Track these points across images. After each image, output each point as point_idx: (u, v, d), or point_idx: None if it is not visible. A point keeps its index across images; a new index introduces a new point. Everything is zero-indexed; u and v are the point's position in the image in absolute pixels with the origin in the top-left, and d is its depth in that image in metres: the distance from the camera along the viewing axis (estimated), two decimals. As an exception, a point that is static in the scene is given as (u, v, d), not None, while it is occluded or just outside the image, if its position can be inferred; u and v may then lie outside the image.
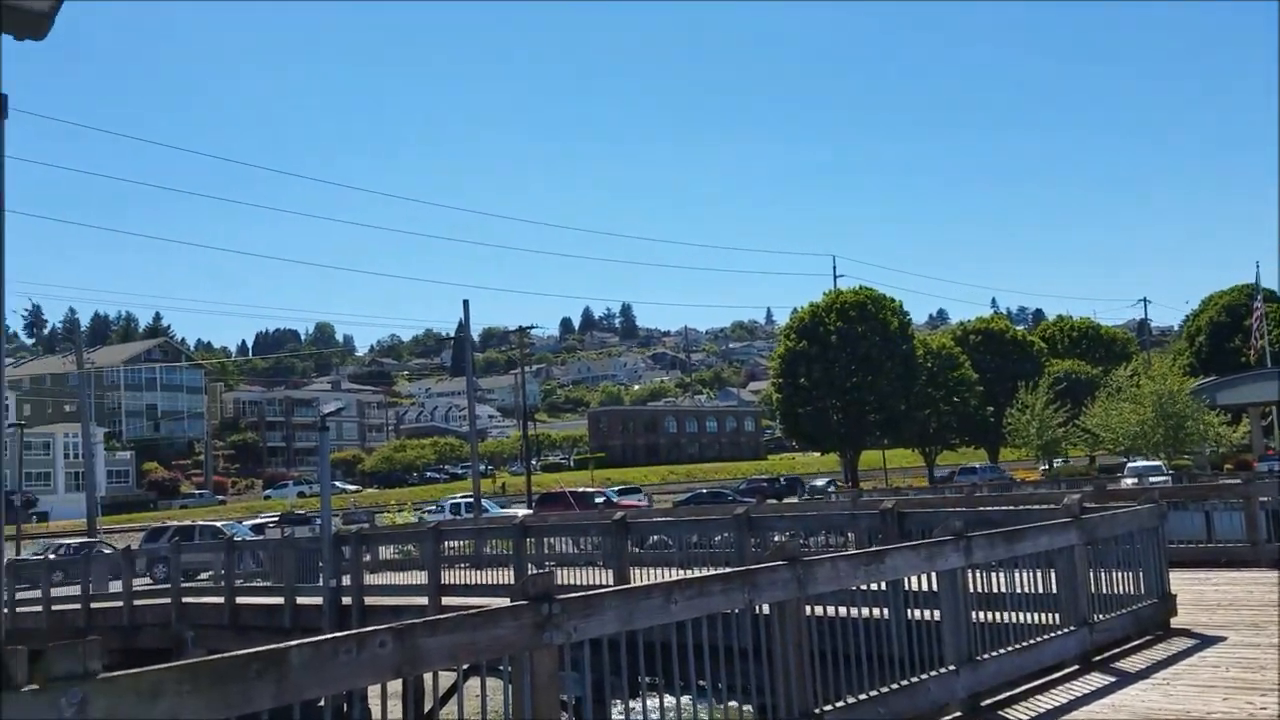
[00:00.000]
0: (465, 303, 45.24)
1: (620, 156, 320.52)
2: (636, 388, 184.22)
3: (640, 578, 13.50)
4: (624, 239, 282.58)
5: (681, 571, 13.26)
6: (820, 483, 61.38)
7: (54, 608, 22.72)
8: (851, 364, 62.85)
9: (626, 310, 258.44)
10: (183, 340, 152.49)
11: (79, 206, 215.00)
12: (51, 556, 31.93)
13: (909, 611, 6.60)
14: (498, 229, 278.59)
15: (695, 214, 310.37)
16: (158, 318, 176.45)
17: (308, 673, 3.67)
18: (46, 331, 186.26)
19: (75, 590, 23.10)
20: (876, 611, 6.26)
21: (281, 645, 3.69)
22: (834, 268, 79.56)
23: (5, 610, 23.68)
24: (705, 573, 7.72)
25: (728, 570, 6.81)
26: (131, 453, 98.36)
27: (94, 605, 21.94)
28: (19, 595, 24.67)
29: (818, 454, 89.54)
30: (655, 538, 16.21)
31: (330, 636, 3.92)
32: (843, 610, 6.08)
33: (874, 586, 6.41)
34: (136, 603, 21.05)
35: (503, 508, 48.18)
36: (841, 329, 63.62)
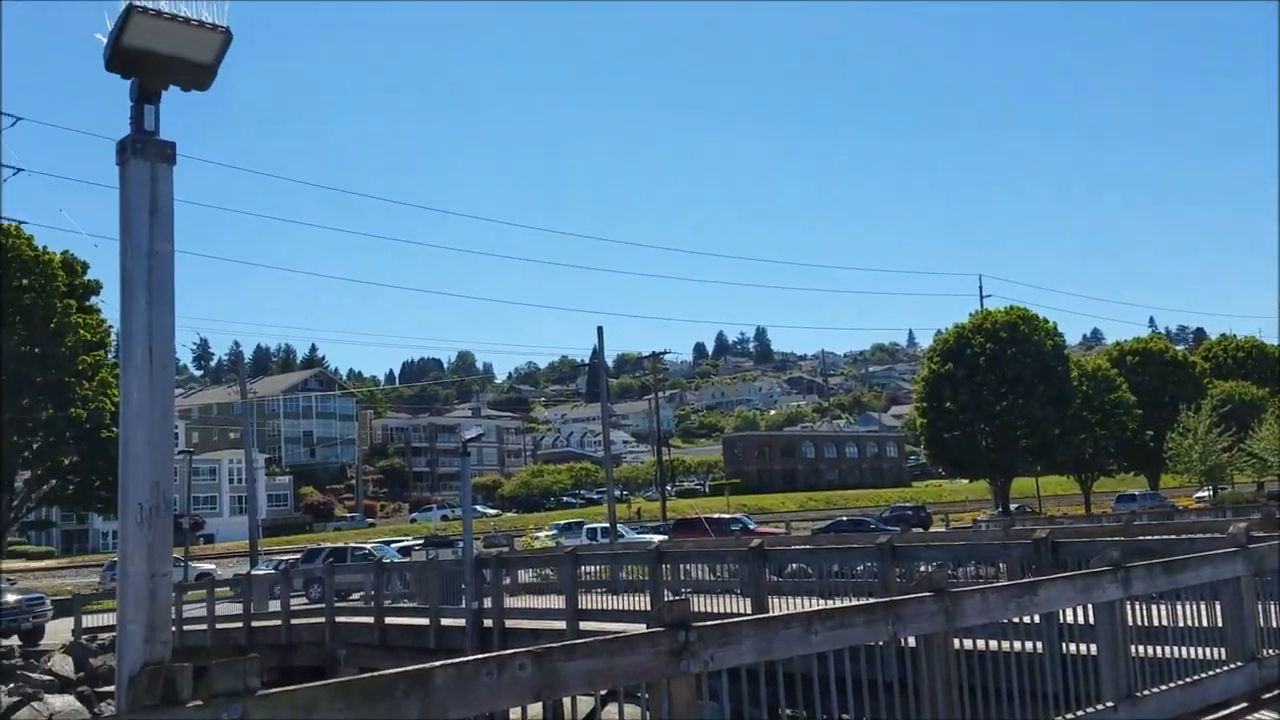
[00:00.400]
0: (599, 329, 45.80)
1: (754, 179, 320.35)
2: (772, 412, 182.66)
3: (779, 607, 13.30)
4: (758, 262, 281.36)
5: (822, 601, 13.00)
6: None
7: (218, 626, 23.95)
8: (1001, 387, 60.88)
9: (761, 334, 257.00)
10: (335, 370, 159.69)
11: (239, 244, 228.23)
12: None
13: (1064, 645, 6.29)
14: (631, 256, 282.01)
15: (832, 235, 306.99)
16: (313, 349, 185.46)
17: (451, 693, 3.74)
18: (213, 364, 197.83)
19: (238, 609, 24.31)
20: (1029, 645, 5.99)
21: (426, 666, 3.78)
22: (980, 287, 76.87)
23: (174, 628, 25.19)
24: (847, 603, 7.54)
25: (871, 601, 6.64)
26: (290, 477, 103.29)
27: (255, 624, 23.02)
28: (186, 614, 26.09)
29: (965, 481, 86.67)
30: (794, 566, 15.95)
31: (472, 658, 3.99)
32: (993, 644, 5.83)
33: (1026, 619, 6.13)
34: (294, 622, 21.98)
35: (638, 533, 48.44)
36: (990, 350, 61.73)
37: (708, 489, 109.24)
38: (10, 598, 29.38)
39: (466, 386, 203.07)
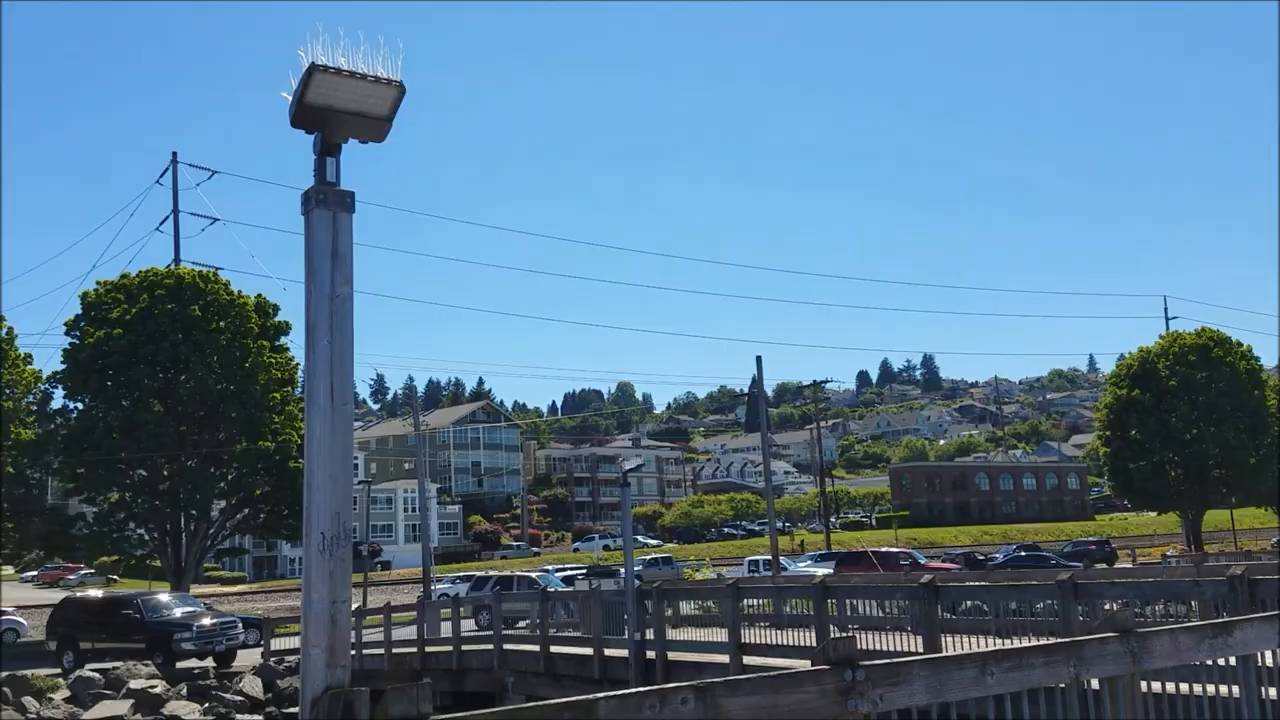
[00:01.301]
0: (758, 359, 45.49)
1: (918, 199, 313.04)
2: (942, 442, 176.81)
3: (952, 646, 12.81)
4: (924, 287, 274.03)
5: (998, 641, 12.46)
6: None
7: (394, 650, 24.90)
8: (1192, 413, 57.22)
9: (928, 361, 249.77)
10: (501, 402, 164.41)
11: (410, 283, 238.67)
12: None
13: (1263, 690, 5.80)
14: (792, 283, 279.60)
15: (1004, 257, 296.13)
16: (481, 382, 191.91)
17: (614, 725, 3.76)
18: (388, 397, 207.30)
19: (413, 633, 25.25)
20: (1225, 689, 5.56)
21: (590, 697, 3.81)
22: (1165, 309, 72.56)
23: (353, 652, 26.38)
24: (1025, 643, 7.19)
25: (1051, 641, 6.31)
26: (459, 506, 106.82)
27: (428, 649, 23.82)
28: (365, 638, 27.23)
29: (1153, 514, 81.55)
30: (969, 603, 15.33)
31: (634, 691, 4.01)
32: (1184, 687, 5.44)
33: (1221, 661, 5.69)
34: (464, 648, 22.62)
35: (814, 562, 47.65)
36: (1180, 375, 58.17)
37: (874, 521, 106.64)
38: (206, 621, 31.33)
39: (626, 417, 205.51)
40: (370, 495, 65.87)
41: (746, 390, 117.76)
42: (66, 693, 24.47)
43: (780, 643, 15.78)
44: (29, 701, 23.24)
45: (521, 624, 24.77)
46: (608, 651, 18.23)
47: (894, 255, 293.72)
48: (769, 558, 44.24)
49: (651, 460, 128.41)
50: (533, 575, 42.31)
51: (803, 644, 15.04)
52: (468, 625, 25.57)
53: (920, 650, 12.41)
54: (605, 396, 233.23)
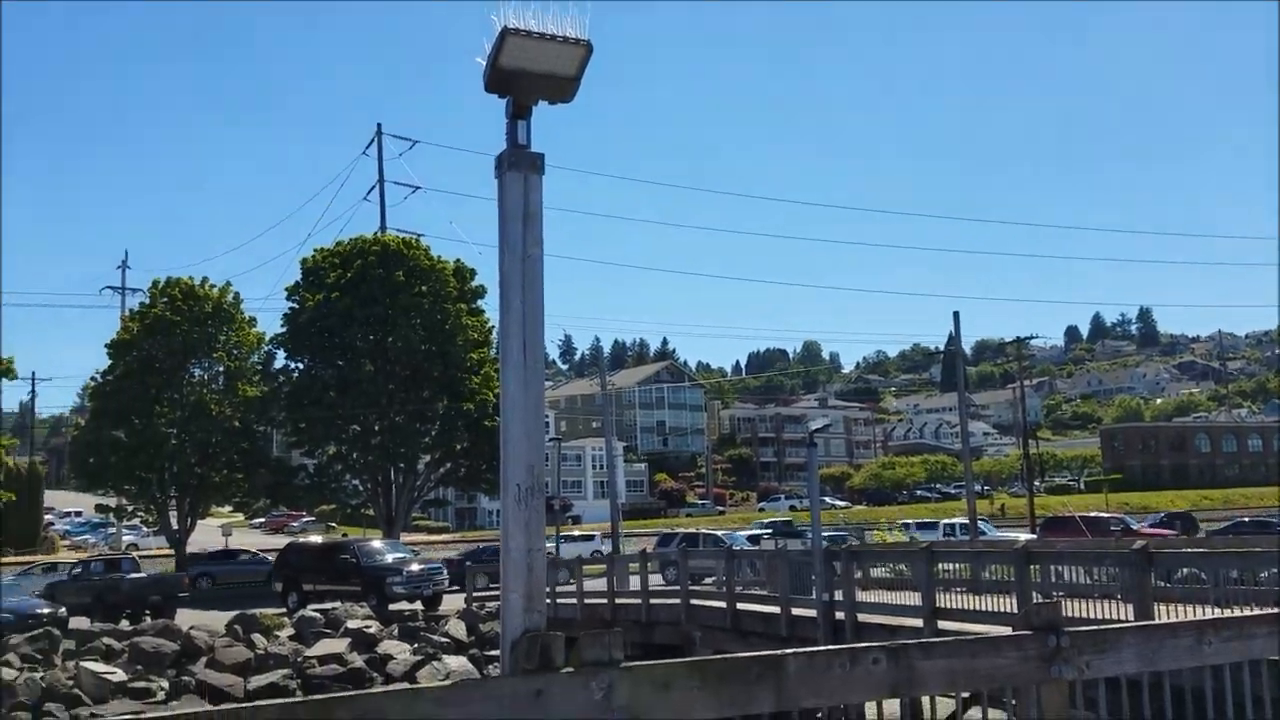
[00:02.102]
0: (956, 314, 43.70)
1: (1129, 146, 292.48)
2: (1159, 401, 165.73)
3: (1165, 615, 12.09)
4: (1140, 235, 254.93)
5: (1217, 611, 11.69)
6: None
7: (586, 600, 25.73)
8: None
9: (1145, 315, 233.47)
10: (685, 362, 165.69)
11: (595, 244, 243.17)
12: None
13: None
14: (993, 234, 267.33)
15: (1228, 204, 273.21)
16: (665, 342, 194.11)
17: (803, 682, 3.74)
18: (576, 358, 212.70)
19: (603, 584, 26.01)
20: None
21: (778, 652, 3.81)
22: None
23: (548, 600, 27.48)
24: (1247, 612, 6.69)
25: (1275, 610, 5.84)
26: (645, 464, 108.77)
27: (618, 601, 24.50)
28: (559, 588, 28.26)
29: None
30: (1185, 571, 14.41)
31: (825, 649, 3.97)
32: None
33: None
34: (652, 601, 23.13)
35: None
36: None
37: (1082, 485, 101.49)
38: (415, 567, 33.29)
39: (812, 376, 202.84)
40: (560, 452, 67.95)
41: (942, 348, 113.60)
42: (291, 630, 26.57)
43: (978, 608, 15.31)
44: (258, 638, 25.38)
45: (707, 580, 25.05)
46: (795, 611, 18.20)
47: (1106, 202, 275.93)
48: (965, 521, 42.94)
49: (839, 420, 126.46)
50: (718, 533, 42.65)
51: (1002, 610, 14.55)
52: (654, 580, 26.03)
53: (1131, 619, 11.76)
54: (791, 356, 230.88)
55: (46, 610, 28.59)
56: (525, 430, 4.08)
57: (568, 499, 74.64)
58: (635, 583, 25.49)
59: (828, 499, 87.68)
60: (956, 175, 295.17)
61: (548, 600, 27.86)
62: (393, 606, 30.61)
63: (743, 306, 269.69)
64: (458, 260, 49.35)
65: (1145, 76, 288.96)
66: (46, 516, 75.27)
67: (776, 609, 18.62)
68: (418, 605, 31.52)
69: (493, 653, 26.27)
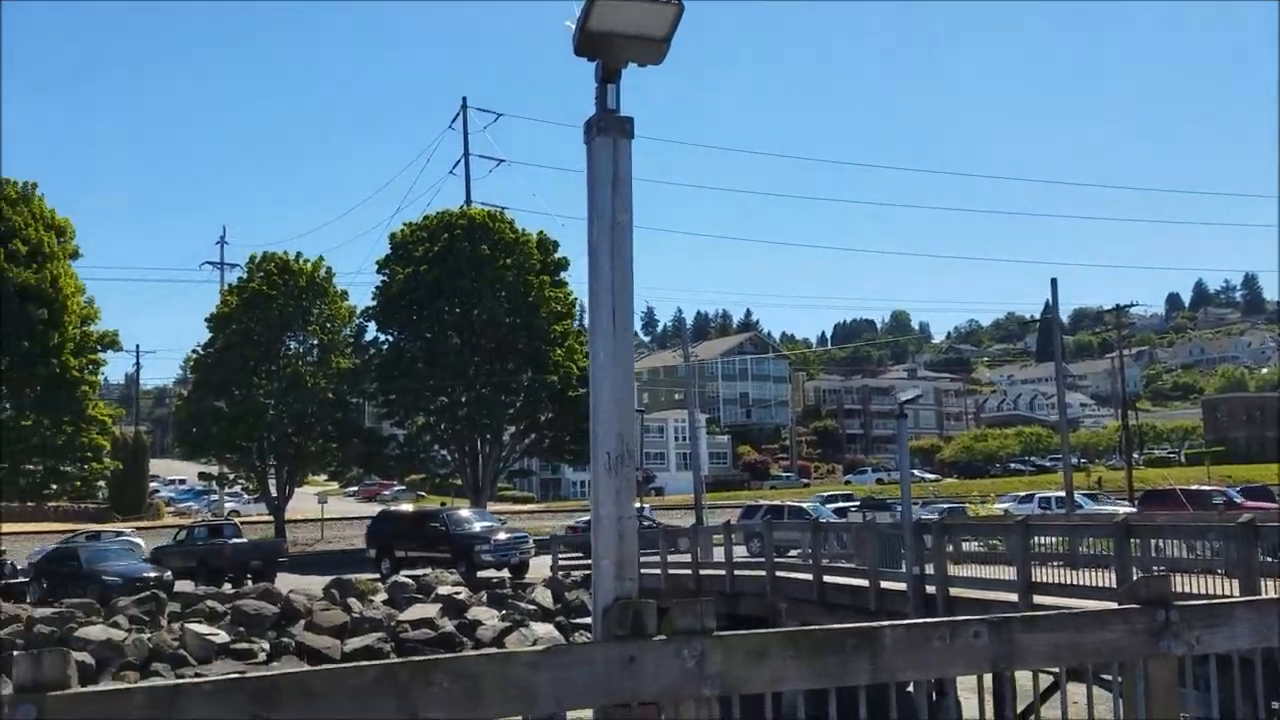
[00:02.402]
0: (1053, 281, 42.26)
1: (1236, 108, 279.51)
2: (1265, 371, 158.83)
3: (1272, 591, 11.66)
4: (1247, 198, 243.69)
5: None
6: None
7: (670, 571, 25.83)
8: None
9: (1250, 281, 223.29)
10: (769, 333, 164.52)
11: (674, 213, 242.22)
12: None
13: None
14: (1091, 198, 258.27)
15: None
16: (748, 314, 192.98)
17: (900, 654, 3.67)
18: (658, 330, 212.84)
19: (687, 556, 26.07)
20: None
21: (876, 625, 3.74)
22: None
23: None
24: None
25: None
26: (728, 436, 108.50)
27: (702, 572, 24.54)
28: (641, 559, 28.44)
29: None
30: (1288, 545, 13.83)
31: (923, 621, 3.91)
32: None
33: None
34: (737, 573, 23.11)
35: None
36: None
37: (1183, 458, 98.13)
38: (501, 536, 33.82)
39: (901, 347, 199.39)
40: (643, 424, 68.19)
41: (1038, 316, 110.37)
42: (385, 595, 27.25)
43: (1076, 583, 14.95)
44: (353, 602, 26.11)
45: (792, 552, 24.91)
46: (884, 584, 18.01)
47: (1210, 165, 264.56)
48: (1060, 494, 41.88)
49: (929, 391, 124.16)
50: (803, 505, 42.36)
51: (1101, 585, 14.23)
52: (738, 552, 25.95)
53: (1237, 594, 11.36)
54: (878, 326, 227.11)
55: (153, 574, 29.82)
56: (615, 398, 4.06)
57: (650, 471, 74.93)
58: (719, 554, 25.50)
59: (917, 472, 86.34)
60: (1053, 138, 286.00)
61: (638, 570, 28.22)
62: (480, 573, 31.17)
63: (828, 276, 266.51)
64: (541, 232, 49.77)
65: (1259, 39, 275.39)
66: (152, 484, 78.50)
67: (864, 582, 18.44)
68: (505, 573, 32.04)
69: (579, 620, 26.57)
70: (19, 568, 31.08)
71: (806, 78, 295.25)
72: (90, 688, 2.97)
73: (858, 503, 46.93)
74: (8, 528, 48.90)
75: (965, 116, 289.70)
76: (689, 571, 24.88)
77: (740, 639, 3.60)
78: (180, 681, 2.87)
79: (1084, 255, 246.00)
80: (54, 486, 42.93)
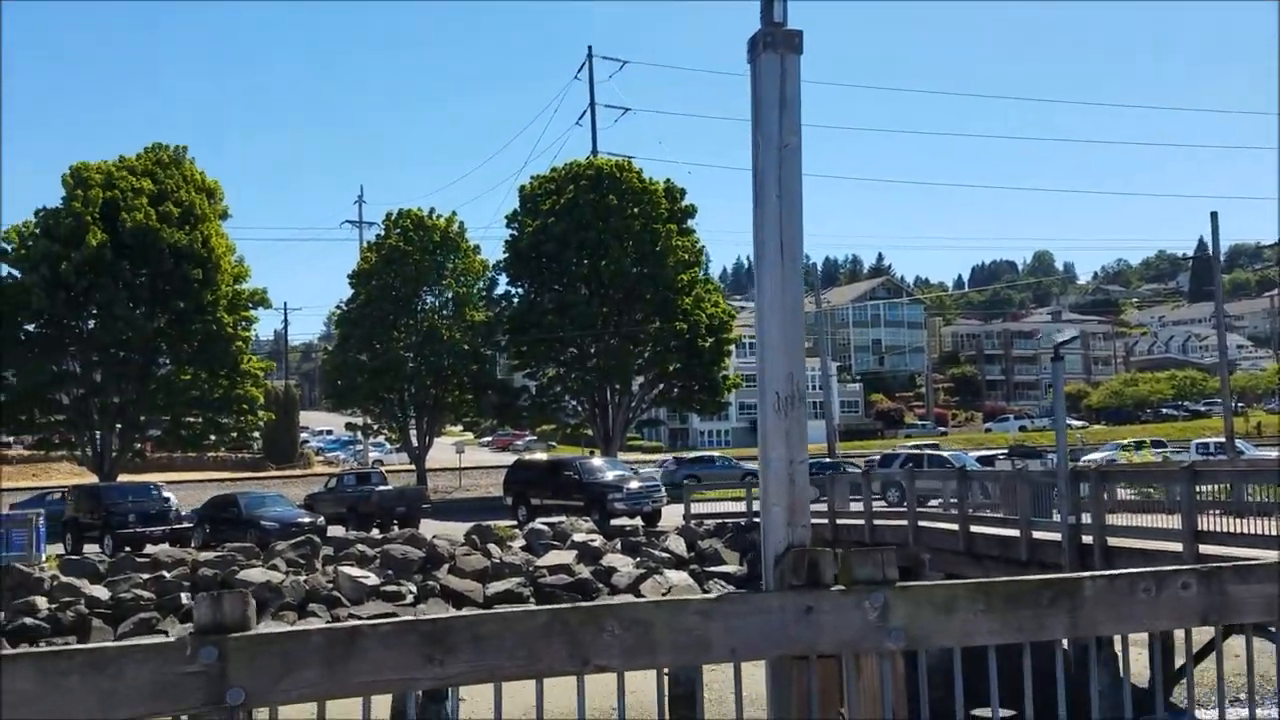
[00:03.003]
0: (1213, 215, 39.40)
1: None
2: None
3: None
4: None
5: None
6: None
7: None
8: None
9: None
10: (902, 278, 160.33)
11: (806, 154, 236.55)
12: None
13: None
14: (1252, 126, 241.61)
15: None
16: (880, 257, 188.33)
17: (1100, 607, 3.42)
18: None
19: (823, 506, 25.68)
20: None
21: (1074, 576, 3.50)
22: None
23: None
24: None
25: None
26: (860, 384, 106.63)
27: (839, 522, 24.16)
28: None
29: None
30: None
31: (1125, 572, 3.62)
32: None
33: None
34: (876, 522, 22.65)
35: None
36: None
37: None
38: (634, 485, 34.08)
39: (1044, 289, 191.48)
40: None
41: (1190, 254, 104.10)
42: (522, 542, 27.85)
43: (1244, 531, 14.08)
44: (493, 548, 26.78)
45: (932, 502, 24.28)
46: (1036, 534, 17.34)
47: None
48: (1218, 440, 39.68)
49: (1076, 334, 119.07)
50: (944, 454, 41.30)
51: (1270, 533, 13.39)
52: (877, 503, 25.46)
53: None
54: (1019, 268, 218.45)
55: (307, 519, 31.25)
56: (784, 334, 3.82)
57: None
58: (855, 504, 25.09)
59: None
60: (1205, 66, 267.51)
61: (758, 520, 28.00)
62: (614, 521, 31.51)
63: (965, 216, 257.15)
64: (668, 180, 49.33)
65: None
66: (302, 435, 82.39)
67: (1015, 532, 17.79)
68: (637, 521, 32.31)
69: (713, 568, 26.60)
70: (184, 514, 32.97)
71: (935, 5, 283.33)
72: (270, 629, 2.98)
73: (1005, 451, 45.53)
74: (172, 476, 52.14)
75: (1108, 46, 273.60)
76: (825, 521, 24.52)
77: (926, 590, 3.40)
78: (356, 624, 2.85)
79: (1239, 188, 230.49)
80: (213, 437, 45.34)
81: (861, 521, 23.01)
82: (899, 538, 21.39)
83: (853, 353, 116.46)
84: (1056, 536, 16.66)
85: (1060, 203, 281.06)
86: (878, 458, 43.05)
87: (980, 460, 38.84)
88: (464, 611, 23.20)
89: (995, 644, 3.41)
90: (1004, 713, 3.49)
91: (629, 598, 24.36)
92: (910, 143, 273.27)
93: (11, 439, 56.71)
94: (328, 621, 22.39)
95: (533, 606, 3.63)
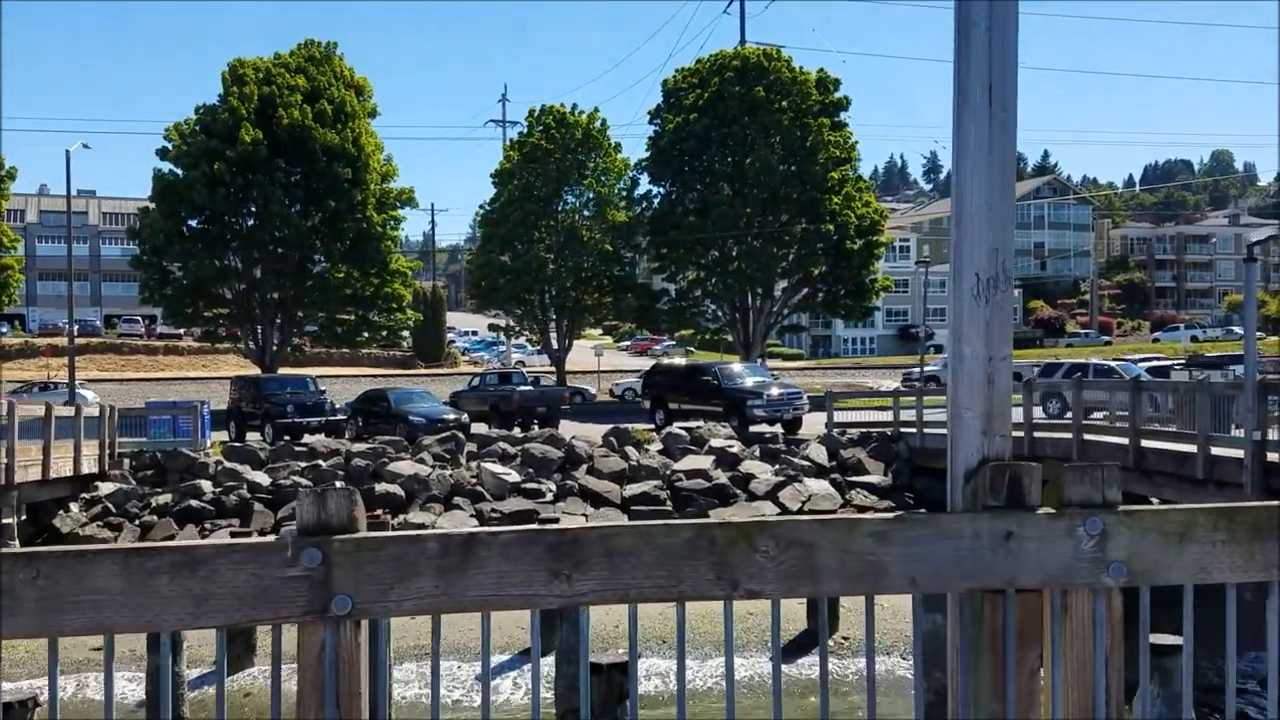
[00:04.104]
0: None
1: None
2: None
3: None
4: None
5: None
6: None
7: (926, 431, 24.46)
8: None
9: None
10: (1068, 176, 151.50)
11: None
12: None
13: None
14: None
15: None
16: (1045, 155, 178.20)
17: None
18: (942, 176, 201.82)
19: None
20: None
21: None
22: None
23: (913, 430, 26.51)
24: None
25: None
26: (1019, 290, 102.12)
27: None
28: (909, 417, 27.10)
29: None
30: None
31: None
32: None
33: None
34: (1036, 435, 21.46)
35: None
36: None
37: None
38: (774, 391, 33.51)
39: (1221, 190, 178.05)
40: (925, 279, 65.25)
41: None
42: (659, 445, 27.81)
43: None
44: (630, 451, 26.82)
45: (1096, 415, 22.87)
46: (1215, 450, 16.04)
47: None
48: None
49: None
50: (1111, 364, 39.01)
51: None
52: (1036, 414, 24.08)
53: None
54: (1195, 167, 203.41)
55: (452, 416, 32.02)
56: (988, 200, 3.12)
57: (929, 328, 71.80)
58: (1015, 415, 23.85)
59: (1237, 328, 77.86)
60: None
61: (913, 429, 26.77)
62: (752, 428, 31.10)
63: (1138, 110, 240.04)
64: (820, 70, 47.08)
65: None
66: (449, 336, 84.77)
67: (1191, 448, 16.51)
68: (777, 428, 31.80)
69: (855, 478, 25.94)
70: (337, 407, 34.26)
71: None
72: (379, 533, 2.63)
73: (1181, 361, 42.74)
74: (329, 371, 54.45)
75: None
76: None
77: (1155, 516, 2.78)
78: (474, 530, 2.45)
79: None
80: (365, 334, 46.89)
81: (1021, 434, 21.80)
82: (1062, 451, 20.21)
83: (1013, 256, 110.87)
84: (1239, 453, 15.38)
85: (1244, 95, 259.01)
86: (1036, 368, 40.83)
87: (1151, 372, 36.48)
88: (601, 513, 23.34)
89: (1237, 581, 2.76)
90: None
91: (768, 505, 24.02)
92: (1079, 28, 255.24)
93: (182, 330, 60.22)
94: (472, 515, 22.94)
95: (675, 520, 3.19)
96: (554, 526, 2.70)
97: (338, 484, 24.21)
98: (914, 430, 26.56)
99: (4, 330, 71.72)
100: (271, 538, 2.62)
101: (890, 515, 2.83)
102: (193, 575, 2.46)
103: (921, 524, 2.83)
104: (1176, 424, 18.01)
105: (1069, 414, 25.73)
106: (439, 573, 2.50)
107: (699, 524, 2.72)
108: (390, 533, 2.63)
